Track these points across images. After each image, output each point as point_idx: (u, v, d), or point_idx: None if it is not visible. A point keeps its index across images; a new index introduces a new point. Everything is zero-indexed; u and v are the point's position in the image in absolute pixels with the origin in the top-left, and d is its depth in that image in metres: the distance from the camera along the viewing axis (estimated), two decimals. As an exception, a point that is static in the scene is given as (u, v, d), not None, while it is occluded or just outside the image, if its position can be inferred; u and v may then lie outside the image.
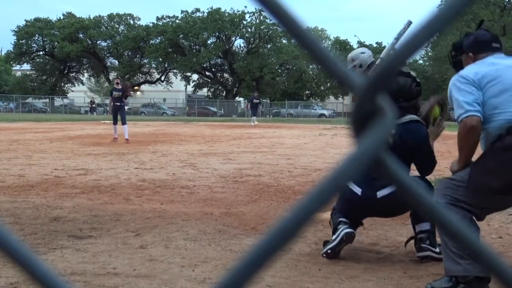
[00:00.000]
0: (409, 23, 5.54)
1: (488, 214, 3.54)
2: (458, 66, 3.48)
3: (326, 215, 5.06)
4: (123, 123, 16.19)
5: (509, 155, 3.06)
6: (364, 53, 5.50)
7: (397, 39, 5.52)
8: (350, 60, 5.57)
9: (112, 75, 67.46)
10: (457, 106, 3.22)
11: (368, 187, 3.96)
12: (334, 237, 4.06)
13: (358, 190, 4.01)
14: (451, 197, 3.26)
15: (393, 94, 4.00)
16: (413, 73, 4.34)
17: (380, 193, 3.96)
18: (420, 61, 59.61)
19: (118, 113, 16.44)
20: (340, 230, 4.05)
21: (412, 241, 4.15)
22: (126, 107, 17.64)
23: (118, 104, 16.58)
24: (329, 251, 4.04)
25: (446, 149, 14.32)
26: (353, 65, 5.42)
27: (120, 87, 16.93)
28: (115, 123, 16.48)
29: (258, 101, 34.97)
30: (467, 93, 3.18)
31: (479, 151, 3.33)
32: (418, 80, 4.17)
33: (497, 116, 3.14)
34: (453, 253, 3.13)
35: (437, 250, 4.02)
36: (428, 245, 4.02)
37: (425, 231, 4.06)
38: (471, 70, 3.26)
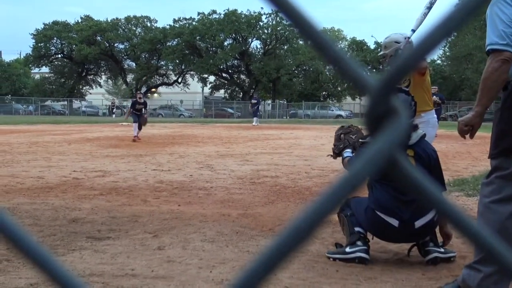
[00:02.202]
0: None
1: None
2: None
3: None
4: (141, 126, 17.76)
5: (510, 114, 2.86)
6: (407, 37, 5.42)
7: (429, 8, 5.40)
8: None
9: (130, 77, 67.93)
10: (493, 32, 2.84)
11: (406, 216, 3.81)
12: (348, 249, 4.03)
13: (395, 222, 3.84)
14: (502, 180, 2.96)
15: None
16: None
17: (418, 223, 3.82)
18: (438, 61, 59.21)
19: (139, 119, 17.82)
20: (357, 249, 3.99)
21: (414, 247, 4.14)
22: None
23: (139, 113, 18.01)
24: (336, 260, 4.03)
25: (465, 149, 14.21)
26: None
27: (142, 100, 18.60)
28: (135, 121, 17.73)
29: (256, 100, 35.30)
30: (506, 23, 2.79)
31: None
32: (414, 99, 4.08)
33: None
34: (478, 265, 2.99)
35: (442, 250, 4.00)
36: (433, 246, 3.99)
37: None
38: None
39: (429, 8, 5.35)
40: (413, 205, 3.75)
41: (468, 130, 3.08)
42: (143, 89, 17.24)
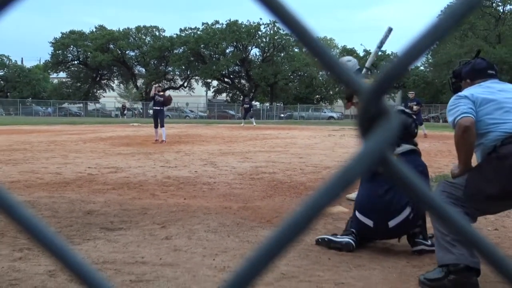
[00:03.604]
0: (390, 29, 5.50)
1: (482, 215, 3.48)
2: (457, 91, 3.47)
3: (336, 209, 5.04)
4: (161, 126, 16.13)
5: (503, 164, 3.04)
6: (350, 61, 5.48)
7: (379, 47, 5.50)
8: None
9: (140, 81, 67.98)
10: (451, 114, 3.22)
11: (379, 217, 3.87)
12: (339, 236, 4.09)
13: (369, 223, 3.92)
14: (448, 195, 3.22)
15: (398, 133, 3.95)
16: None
17: (392, 223, 3.88)
18: (421, 68, 59.16)
19: (158, 117, 16.35)
20: (345, 237, 4.05)
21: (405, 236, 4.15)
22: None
23: (158, 108, 16.52)
24: (326, 239, 4.06)
25: (446, 148, 14.20)
26: None
27: (161, 93, 16.82)
28: (156, 126, 16.44)
29: (248, 105, 35.36)
30: (461, 104, 3.19)
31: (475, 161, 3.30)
32: (416, 121, 4.16)
33: (492, 131, 3.14)
34: (446, 242, 3.09)
35: (429, 243, 4.02)
36: (421, 239, 4.02)
37: (418, 225, 4.06)
38: (467, 91, 3.28)
39: (380, 47, 5.48)
40: (388, 206, 3.80)
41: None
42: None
